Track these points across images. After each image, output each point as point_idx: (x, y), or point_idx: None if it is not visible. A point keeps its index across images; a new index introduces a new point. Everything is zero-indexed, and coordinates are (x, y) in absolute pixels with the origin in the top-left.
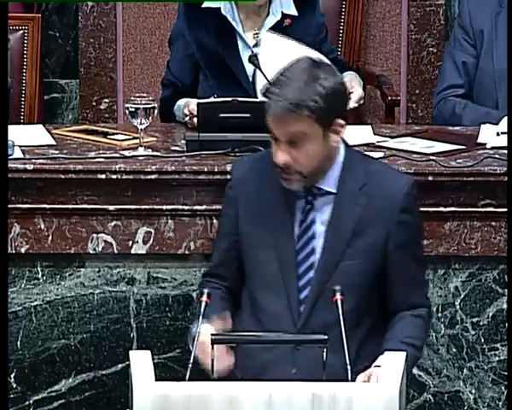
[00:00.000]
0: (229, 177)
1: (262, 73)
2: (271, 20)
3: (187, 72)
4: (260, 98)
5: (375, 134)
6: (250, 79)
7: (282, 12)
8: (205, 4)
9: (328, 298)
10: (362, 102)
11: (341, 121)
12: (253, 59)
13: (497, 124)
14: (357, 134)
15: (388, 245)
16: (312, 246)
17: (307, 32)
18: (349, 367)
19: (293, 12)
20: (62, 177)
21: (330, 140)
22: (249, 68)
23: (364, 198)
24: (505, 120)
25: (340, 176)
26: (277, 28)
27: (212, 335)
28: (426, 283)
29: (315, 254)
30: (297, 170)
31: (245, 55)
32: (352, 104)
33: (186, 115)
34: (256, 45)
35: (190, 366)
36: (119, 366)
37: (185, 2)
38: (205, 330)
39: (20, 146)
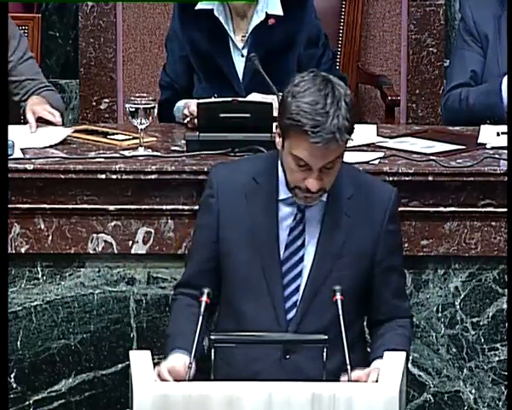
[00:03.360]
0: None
1: (261, 72)
2: (255, 21)
3: (182, 73)
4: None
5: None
6: (241, 81)
7: (267, 12)
8: (198, 6)
9: (318, 307)
10: None
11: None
12: (254, 59)
13: (500, 85)
14: (360, 133)
15: (376, 254)
16: (302, 254)
17: (297, 31)
18: (349, 367)
19: (279, 12)
20: (62, 177)
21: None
22: (240, 71)
23: (353, 208)
24: (505, 80)
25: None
26: (262, 28)
27: (211, 334)
28: (407, 295)
29: (303, 262)
30: (323, 191)
31: (236, 58)
32: None
33: (186, 116)
34: (244, 47)
35: (190, 365)
36: (119, 366)
37: (180, 3)
38: (175, 361)
39: (20, 146)
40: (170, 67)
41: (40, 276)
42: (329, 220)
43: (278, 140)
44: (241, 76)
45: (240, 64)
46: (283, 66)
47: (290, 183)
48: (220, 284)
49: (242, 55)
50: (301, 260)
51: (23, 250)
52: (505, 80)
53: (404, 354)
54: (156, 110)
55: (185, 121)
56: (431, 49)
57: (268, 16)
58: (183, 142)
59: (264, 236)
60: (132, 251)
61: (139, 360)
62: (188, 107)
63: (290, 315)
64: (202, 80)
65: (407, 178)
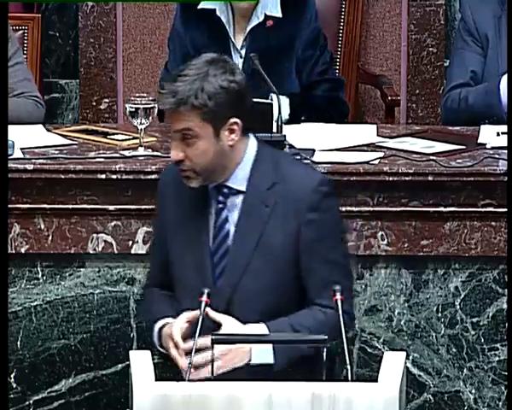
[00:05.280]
0: None
1: (261, 72)
2: (253, 22)
3: None
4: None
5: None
6: None
7: (265, 13)
8: (200, 5)
9: (240, 301)
10: None
11: (236, 120)
12: (254, 58)
13: (498, 84)
14: (360, 133)
15: (299, 246)
16: (227, 246)
17: (295, 33)
18: (349, 367)
19: (277, 14)
20: (62, 177)
21: (224, 139)
22: None
23: (273, 198)
24: (505, 78)
25: (250, 174)
26: (260, 29)
27: (212, 334)
28: (345, 289)
29: (228, 254)
30: (190, 167)
31: (235, 58)
32: None
33: None
34: (242, 48)
35: (190, 365)
36: (119, 366)
37: (182, 3)
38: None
39: (20, 146)
40: (171, 66)
41: (40, 276)
42: (247, 211)
43: None
44: None
45: (238, 65)
46: (281, 67)
47: None
48: None
49: (241, 56)
50: (227, 252)
51: (23, 250)
52: (503, 80)
53: (403, 353)
54: (156, 109)
55: None
56: (431, 49)
57: (266, 18)
58: None
59: (195, 232)
60: (132, 251)
61: (139, 360)
62: None
63: (221, 308)
64: None
65: (407, 178)
